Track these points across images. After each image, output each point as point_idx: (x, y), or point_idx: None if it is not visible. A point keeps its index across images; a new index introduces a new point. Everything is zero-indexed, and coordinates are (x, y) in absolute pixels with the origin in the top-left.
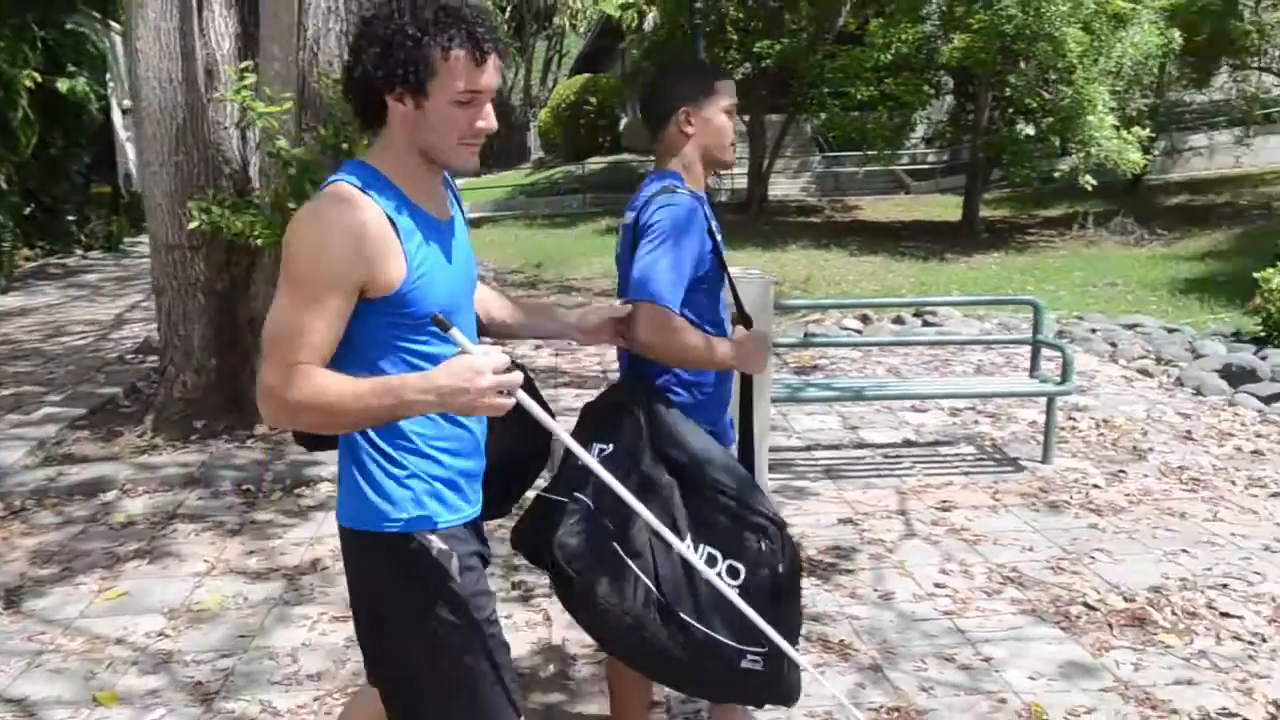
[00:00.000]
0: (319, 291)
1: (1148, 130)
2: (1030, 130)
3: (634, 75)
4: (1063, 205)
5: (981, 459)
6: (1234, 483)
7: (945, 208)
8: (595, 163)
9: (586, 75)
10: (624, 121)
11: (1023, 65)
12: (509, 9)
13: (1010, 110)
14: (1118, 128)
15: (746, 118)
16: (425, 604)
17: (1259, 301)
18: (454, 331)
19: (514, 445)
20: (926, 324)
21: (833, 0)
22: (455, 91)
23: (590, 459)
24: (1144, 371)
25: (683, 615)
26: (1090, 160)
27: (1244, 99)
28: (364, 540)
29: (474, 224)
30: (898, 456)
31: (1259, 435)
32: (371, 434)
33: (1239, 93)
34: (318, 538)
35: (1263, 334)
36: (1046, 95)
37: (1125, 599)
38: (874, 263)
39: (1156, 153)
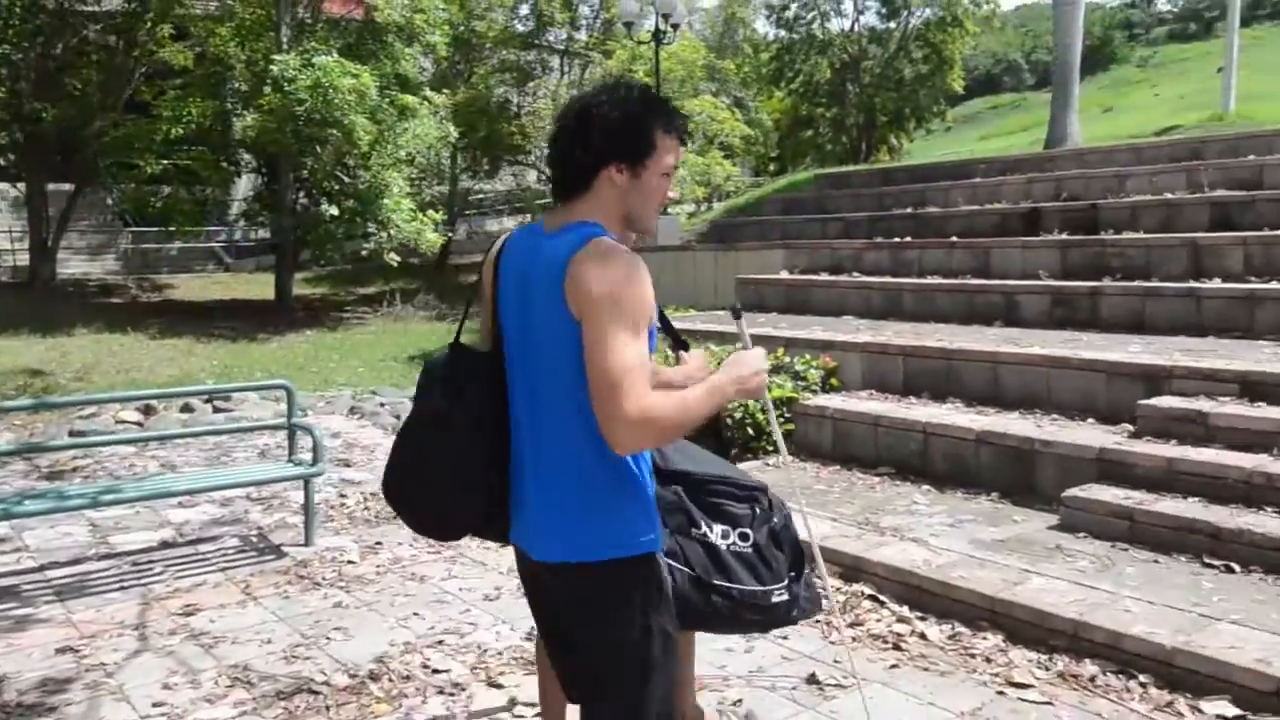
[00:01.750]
0: (643, 326)
1: (441, 214)
2: (334, 210)
3: None
4: (378, 283)
5: (244, 550)
6: (474, 539)
7: (265, 286)
8: None
9: None
10: None
11: (319, 149)
12: None
13: (314, 191)
14: (415, 211)
15: (22, 186)
16: (663, 612)
17: None
18: (740, 322)
19: None
20: (217, 410)
21: (119, 67)
22: (665, 167)
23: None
24: None
25: (716, 582)
26: (392, 240)
27: (522, 190)
28: (613, 569)
29: None
30: (149, 562)
31: None
32: (609, 469)
33: (518, 184)
34: None
35: None
36: (346, 178)
37: (350, 675)
38: (177, 346)
39: (459, 234)
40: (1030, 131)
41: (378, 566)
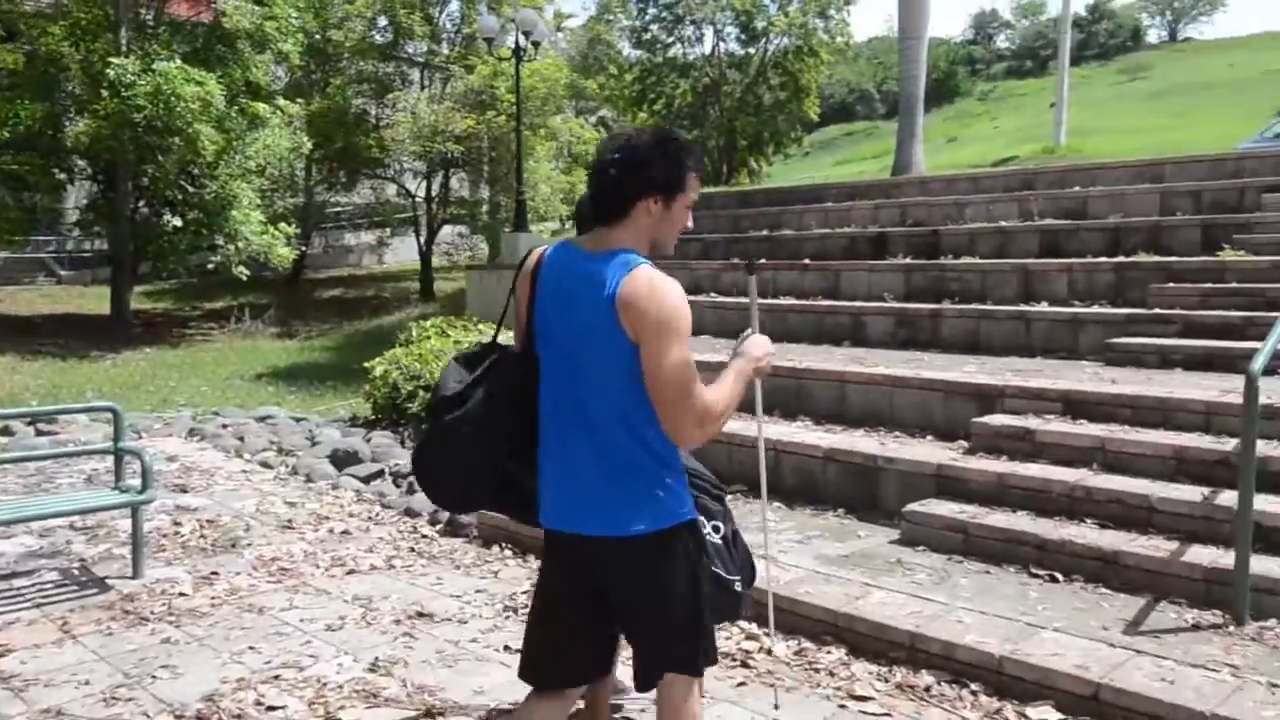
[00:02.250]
0: (688, 334)
1: (295, 227)
2: (177, 222)
3: None
4: (225, 298)
5: (64, 585)
6: (318, 566)
7: (100, 300)
8: None
9: None
10: None
11: (161, 158)
12: None
13: (155, 200)
14: (265, 223)
15: None
16: (704, 564)
17: (368, 388)
18: (752, 288)
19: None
20: (40, 433)
21: None
22: (688, 201)
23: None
24: (265, 464)
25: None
26: (241, 253)
27: (381, 204)
28: (667, 535)
29: None
30: None
31: (352, 515)
32: (662, 458)
33: (377, 198)
34: None
35: (372, 417)
36: (191, 188)
37: (175, 716)
38: None
39: (314, 248)
40: (881, 158)
41: (212, 598)
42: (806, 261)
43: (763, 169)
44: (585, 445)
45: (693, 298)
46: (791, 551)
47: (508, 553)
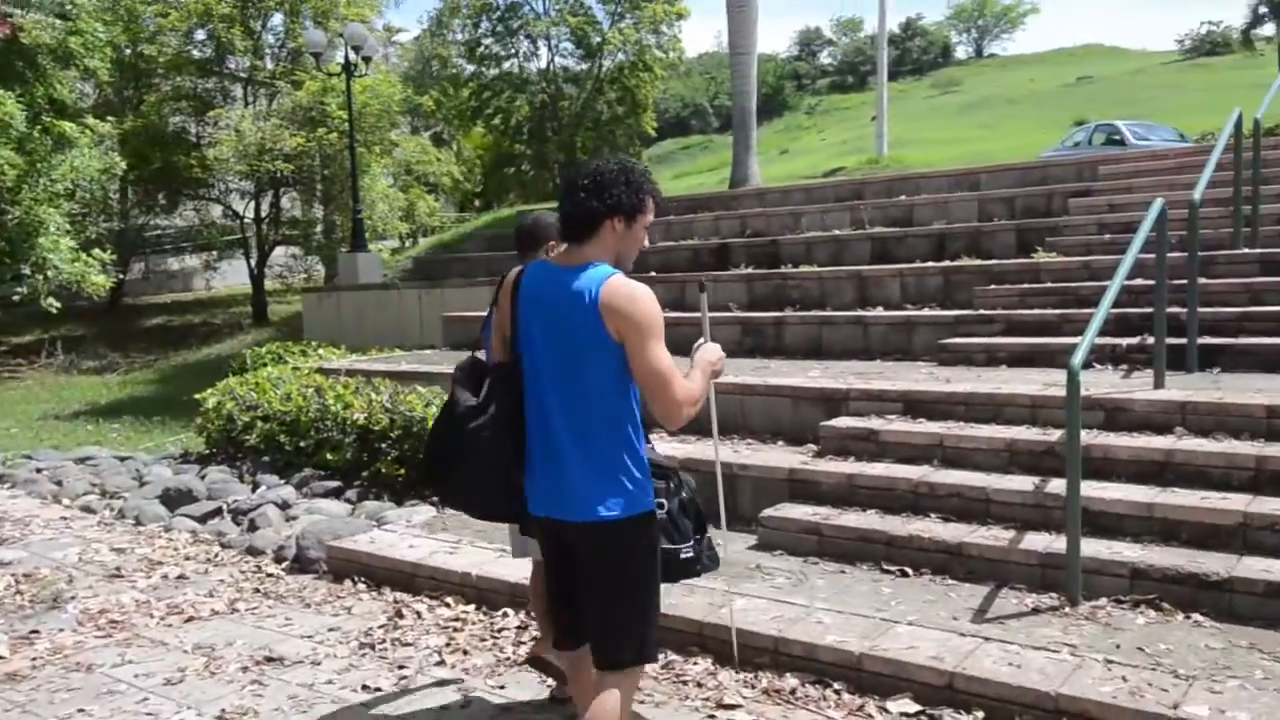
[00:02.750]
0: (662, 335)
1: (111, 253)
2: None
3: None
4: (35, 331)
5: None
6: (153, 615)
7: None
8: None
9: None
10: None
11: None
12: None
13: None
14: (77, 250)
15: None
16: (658, 541)
17: (200, 421)
18: (704, 301)
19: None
20: None
21: None
22: (646, 222)
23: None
24: (87, 508)
25: None
26: (50, 283)
27: (206, 226)
28: (635, 521)
29: None
30: None
31: (188, 558)
32: (634, 453)
33: (201, 220)
34: None
35: (206, 452)
36: None
37: None
38: None
39: (134, 275)
40: (718, 171)
41: (34, 659)
42: (651, 274)
43: None
44: (568, 440)
45: None
46: None
47: (361, 586)
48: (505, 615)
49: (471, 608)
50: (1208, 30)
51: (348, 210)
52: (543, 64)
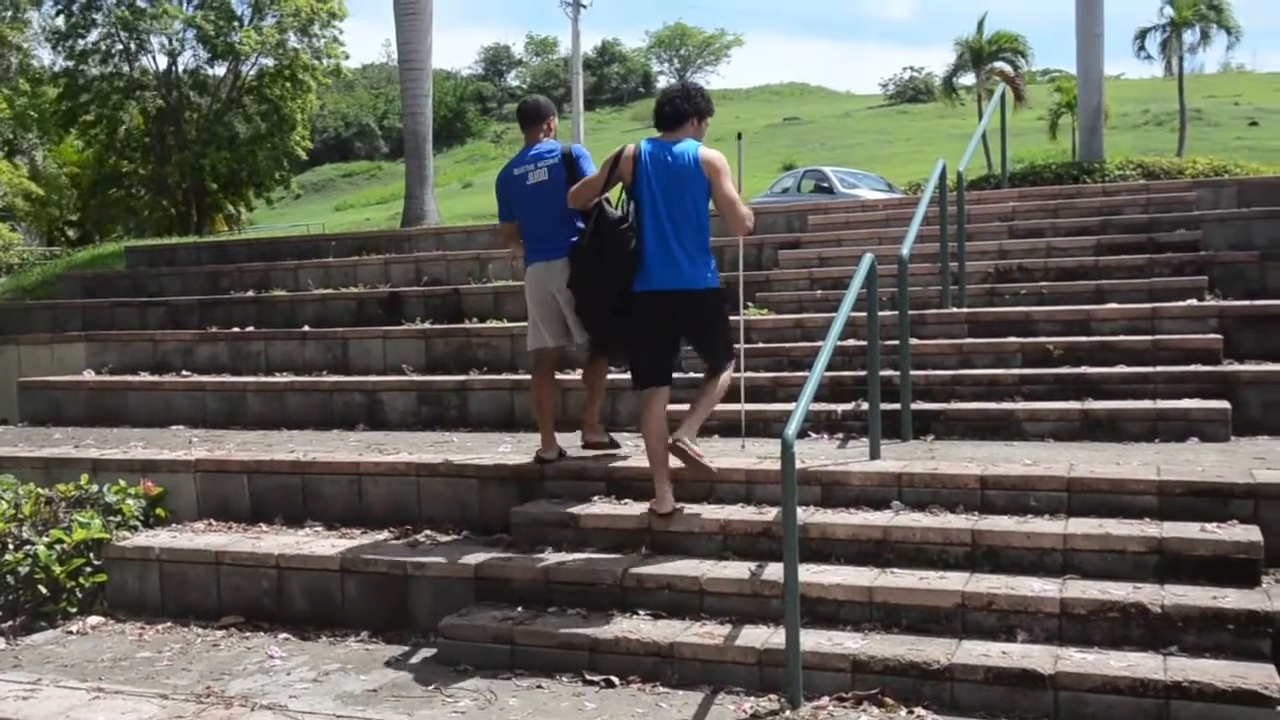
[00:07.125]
0: (731, 176)
1: None
2: None
3: None
4: None
5: None
6: None
7: None
8: None
9: None
10: None
11: None
12: None
13: None
14: None
15: None
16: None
17: None
18: None
19: None
20: None
21: None
22: (708, 122)
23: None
24: None
25: None
26: None
27: None
28: (717, 291)
29: None
30: None
31: None
32: (709, 250)
33: None
34: None
35: None
36: None
37: None
38: None
39: None
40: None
41: None
42: (306, 329)
43: (243, 215)
44: (675, 242)
45: (160, 377)
46: (305, 695)
47: None
48: None
49: None
50: (910, 76)
51: None
52: (162, 65)
